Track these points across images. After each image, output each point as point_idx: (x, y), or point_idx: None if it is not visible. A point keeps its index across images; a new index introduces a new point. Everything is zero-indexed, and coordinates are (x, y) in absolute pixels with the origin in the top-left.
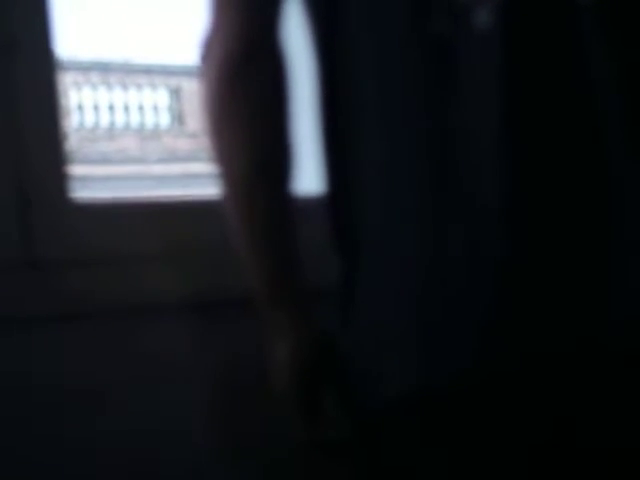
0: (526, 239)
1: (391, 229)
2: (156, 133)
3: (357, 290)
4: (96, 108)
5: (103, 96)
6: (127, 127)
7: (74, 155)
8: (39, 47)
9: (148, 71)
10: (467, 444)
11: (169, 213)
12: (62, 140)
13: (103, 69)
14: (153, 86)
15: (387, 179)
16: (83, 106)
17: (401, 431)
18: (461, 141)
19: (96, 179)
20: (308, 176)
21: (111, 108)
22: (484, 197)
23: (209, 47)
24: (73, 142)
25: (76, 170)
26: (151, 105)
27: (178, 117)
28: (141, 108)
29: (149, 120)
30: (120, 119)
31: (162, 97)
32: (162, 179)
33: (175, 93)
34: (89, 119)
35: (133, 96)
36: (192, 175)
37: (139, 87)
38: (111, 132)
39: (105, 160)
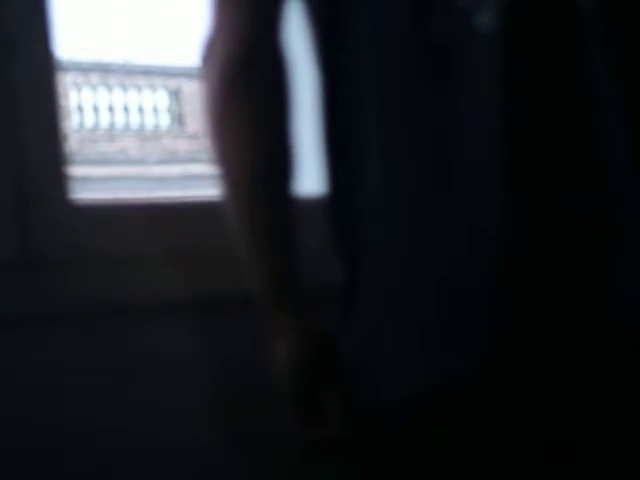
0: (527, 239)
1: (392, 229)
2: (156, 134)
3: (358, 290)
4: (96, 109)
5: (103, 97)
6: (127, 128)
7: (74, 156)
8: (39, 48)
9: (148, 72)
10: (469, 444)
11: (169, 214)
12: (62, 141)
13: (103, 70)
14: (153, 87)
15: (388, 179)
16: (83, 107)
17: (402, 431)
18: (462, 142)
19: (96, 180)
20: (309, 177)
21: (111, 109)
22: (485, 197)
23: (211, 48)
24: (73, 143)
25: (76, 171)
26: (151, 106)
27: (178, 118)
28: (141, 109)
29: (149, 121)
30: (120, 120)
31: (162, 98)
32: (162, 180)
33: (175, 94)
34: (89, 120)
35: (133, 97)
36: (192, 176)
37: (139, 88)
38: (111, 133)
39: (105, 161)
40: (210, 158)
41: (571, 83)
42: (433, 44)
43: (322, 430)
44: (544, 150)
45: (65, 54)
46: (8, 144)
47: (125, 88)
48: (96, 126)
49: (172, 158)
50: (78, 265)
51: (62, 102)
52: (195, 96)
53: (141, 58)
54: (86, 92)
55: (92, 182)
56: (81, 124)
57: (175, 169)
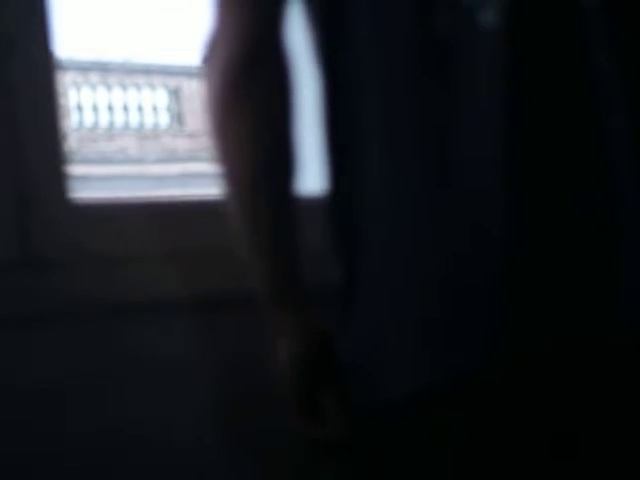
0: (530, 238)
1: (395, 228)
2: (155, 133)
3: (357, 290)
4: (95, 108)
5: (102, 96)
6: (126, 127)
7: (73, 155)
8: (38, 47)
9: (147, 71)
10: (472, 442)
11: (168, 213)
12: (61, 140)
13: (102, 69)
14: (152, 86)
15: (390, 178)
16: (82, 106)
17: (404, 429)
18: (465, 140)
19: (95, 179)
20: (310, 176)
21: (110, 108)
22: (488, 196)
23: (213, 48)
24: (72, 142)
25: (75, 170)
26: (150, 105)
27: (177, 117)
28: (140, 108)
29: (148, 120)
30: (119, 119)
31: (161, 97)
32: (161, 179)
33: (174, 93)
34: (88, 119)
35: (132, 96)
36: (191, 175)
37: (138, 87)
38: (110, 132)
39: (104, 160)
40: (212, 157)
41: (574, 81)
42: (436, 42)
43: (321, 429)
44: (547, 148)
45: (64, 53)
46: (7, 144)
47: (124, 87)
48: (95, 125)
49: (171, 157)
50: (78, 265)
51: (61, 101)
52: (194, 95)
53: (140, 57)
54: (85, 91)
55: (91, 181)
56: (80, 123)
57: (174, 168)
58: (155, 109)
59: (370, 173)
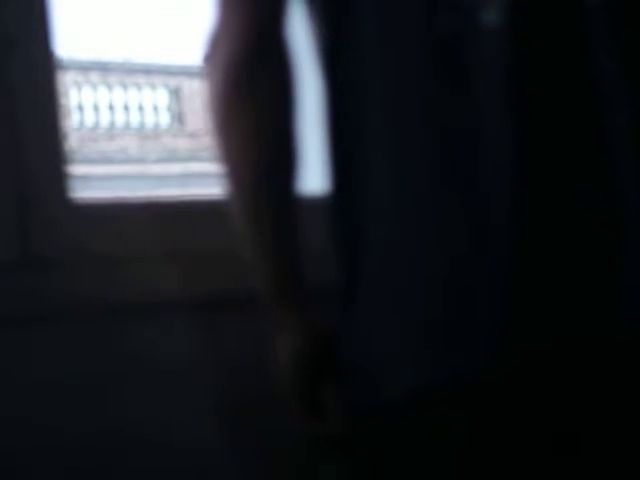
0: (533, 237)
1: (398, 228)
2: (156, 133)
3: (360, 289)
4: (96, 108)
5: (103, 96)
6: (127, 127)
7: (74, 155)
8: (39, 47)
9: (148, 71)
10: (471, 444)
11: (169, 213)
12: (62, 140)
13: (103, 69)
14: (153, 86)
15: (394, 178)
16: (83, 106)
17: (403, 430)
18: (469, 140)
19: (96, 178)
20: (313, 175)
21: (111, 108)
22: (492, 196)
23: (214, 45)
24: (73, 142)
25: (76, 170)
26: (151, 105)
27: (178, 117)
28: (141, 108)
29: (149, 120)
30: (120, 119)
31: (162, 97)
32: (162, 179)
33: (175, 93)
34: (89, 119)
35: (133, 96)
36: (191, 174)
37: (139, 87)
38: (111, 132)
39: (105, 160)
40: (214, 156)
41: (577, 80)
42: (440, 41)
43: (322, 426)
44: (550, 147)
45: (65, 52)
46: (7, 144)
47: (125, 87)
48: (96, 125)
49: (172, 156)
50: (78, 265)
51: (62, 101)
52: (195, 94)
53: (141, 56)
54: (86, 91)
55: (92, 181)
56: (81, 123)
57: (175, 167)
58: (156, 109)
59: (374, 172)
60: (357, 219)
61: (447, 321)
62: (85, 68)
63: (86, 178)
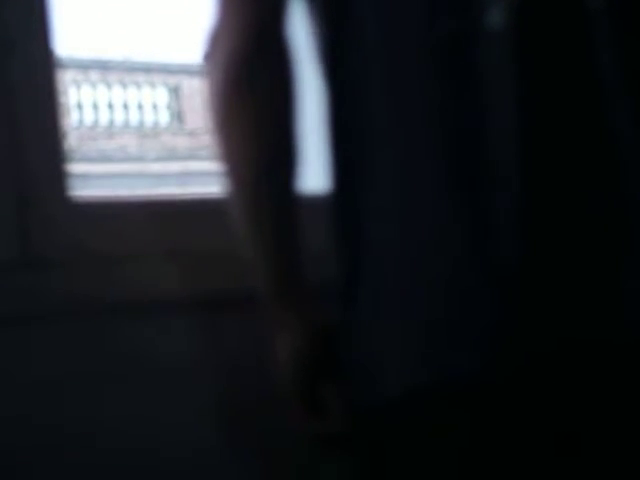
0: (537, 238)
1: (399, 228)
2: (155, 131)
3: (360, 289)
4: (95, 106)
5: (102, 94)
6: (126, 125)
7: (73, 153)
8: (38, 45)
9: (147, 69)
10: (471, 444)
11: (168, 211)
12: (61, 138)
13: (102, 67)
14: (152, 84)
15: (397, 178)
16: (82, 104)
17: (403, 430)
18: (473, 141)
19: (95, 177)
20: (313, 174)
21: (110, 106)
22: (495, 196)
23: (214, 43)
24: (72, 140)
25: (75, 168)
26: (150, 103)
27: (177, 115)
28: (140, 106)
29: (148, 118)
30: (119, 117)
31: (161, 95)
32: (161, 177)
33: (174, 91)
34: (88, 117)
35: (132, 94)
36: (191, 173)
37: (138, 85)
38: (110, 130)
39: (104, 158)
40: (214, 155)
41: (580, 82)
42: (445, 42)
43: (322, 423)
44: (554, 149)
45: (64, 51)
46: (7, 143)
47: (124, 85)
48: (95, 123)
49: (171, 155)
50: (78, 264)
51: (61, 99)
52: (194, 93)
53: (140, 55)
54: (85, 89)
55: (91, 179)
56: (80, 121)
57: (174, 166)
58: (155, 107)
59: (375, 172)
60: (358, 218)
61: (448, 321)
62: (84, 66)
63: (85, 177)
